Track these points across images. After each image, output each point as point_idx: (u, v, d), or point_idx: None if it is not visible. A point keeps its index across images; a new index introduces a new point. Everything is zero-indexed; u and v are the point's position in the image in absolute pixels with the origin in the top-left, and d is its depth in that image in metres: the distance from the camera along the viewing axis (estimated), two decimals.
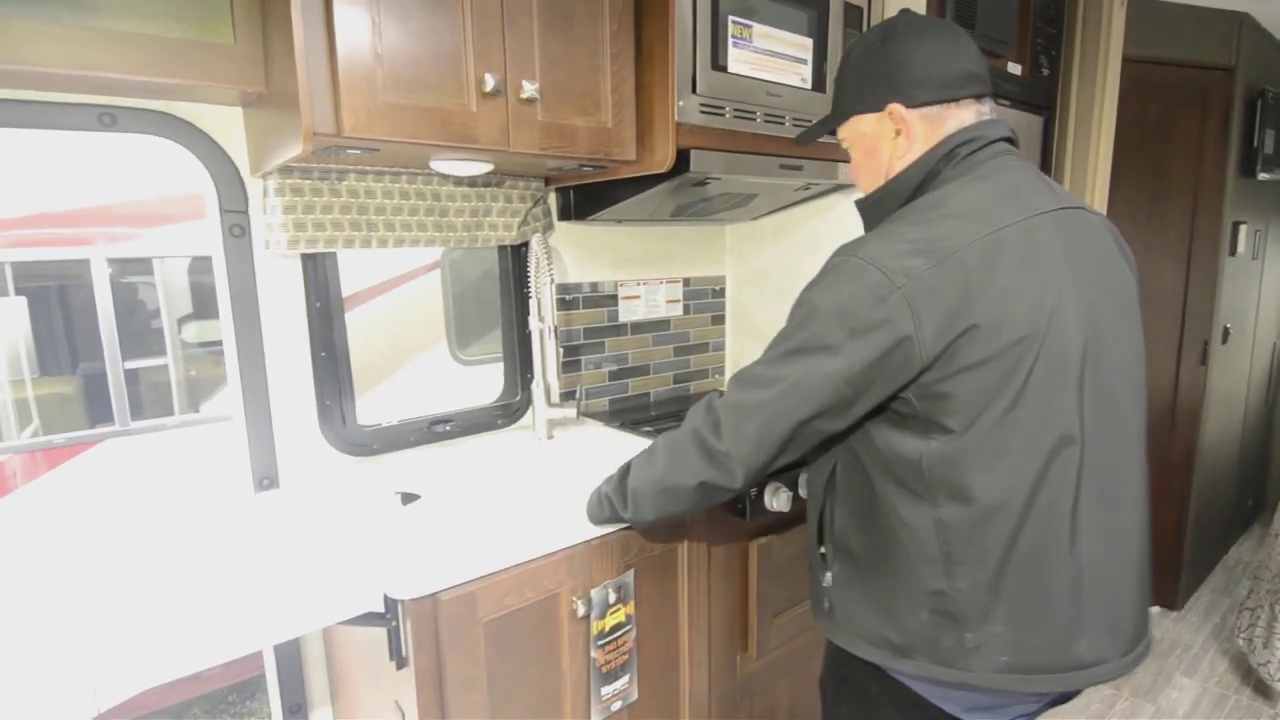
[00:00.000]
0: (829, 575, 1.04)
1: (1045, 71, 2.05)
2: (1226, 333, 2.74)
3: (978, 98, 0.96)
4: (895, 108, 0.96)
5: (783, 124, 1.56)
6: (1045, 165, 2.15)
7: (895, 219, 0.94)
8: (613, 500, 1.17)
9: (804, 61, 1.56)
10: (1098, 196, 2.11)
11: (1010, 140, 0.98)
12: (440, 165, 1.35)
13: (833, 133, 1.10)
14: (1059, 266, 0.88)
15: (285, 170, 1.33)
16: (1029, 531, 0.87)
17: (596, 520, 1.21)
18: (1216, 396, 2.76)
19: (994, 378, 0.84)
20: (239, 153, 1.35)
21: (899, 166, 0.98)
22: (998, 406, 0.85)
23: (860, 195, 1.08)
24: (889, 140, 0.98)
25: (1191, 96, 2.49)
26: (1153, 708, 2.25)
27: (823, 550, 1.06)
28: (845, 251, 0.91)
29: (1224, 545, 3.29)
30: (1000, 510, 0.87)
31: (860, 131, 1.02)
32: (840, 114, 1.05)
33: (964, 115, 0.96)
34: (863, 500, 0.98)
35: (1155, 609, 2.82)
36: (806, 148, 1.63)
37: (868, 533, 0.98)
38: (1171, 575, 2.78)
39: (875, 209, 1.02)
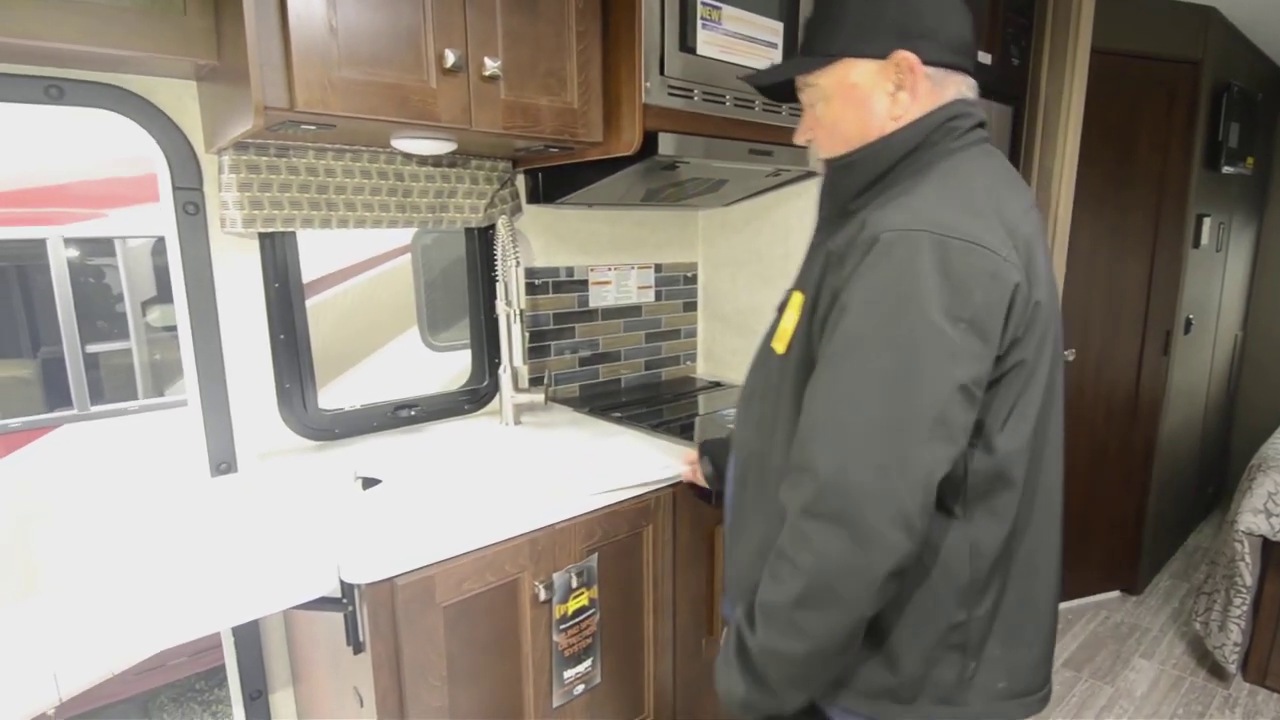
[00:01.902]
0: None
1: (1015, 61, 2.07)
2: (1189, 324, 2.79)
3: (969, 73, 0.86)
4: (906, 57, 0.81)
5: (752, 108, 1.55)
6: (1014, 156, 2.17)
7: (918, 183, 0.80)
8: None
9: (774, 46, 1.55)
10: (1064, 187, 2.13)
11: (984, 124, 0.89)
12: (402, 144, 1.32)
13: (787, 85, 0.93)
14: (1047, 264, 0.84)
15: (240, 146, 1.29)
16: (1029, 537, 0.83)
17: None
18: (1178, 386, 2.81)
19: (1032, 370, 0.78)
20: (193, 128, 1.31)
21: (890, 128, 0.84)
22: (1033, 400, 0.79)
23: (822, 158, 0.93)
24: (885, 96, 0.83)
25: (1158, 89, 2.52)
26: (1111, 689, 2.30)
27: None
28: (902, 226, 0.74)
29: (1184, 532, 3.37)
30: (1024, 520, 0.82)
31: (849, 81, 0.84)
32: (826, 54, 0.85)
33: (961, 88, 0.86)
34: None
35: (1115, 593, 2.88)
36: (777, 134, 1.63)
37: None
38: (1131, 561, 2.84)
39: (852, 171, 0.86)
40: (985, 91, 1.91)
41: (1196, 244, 2.71)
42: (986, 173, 0.83)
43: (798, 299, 0.86)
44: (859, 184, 0.85)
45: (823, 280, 0.80)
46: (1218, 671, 2.36)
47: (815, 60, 0.87)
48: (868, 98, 0.84)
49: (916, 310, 0.70)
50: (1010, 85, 2.06)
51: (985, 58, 1.92)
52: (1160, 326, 2.65)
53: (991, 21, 1.93)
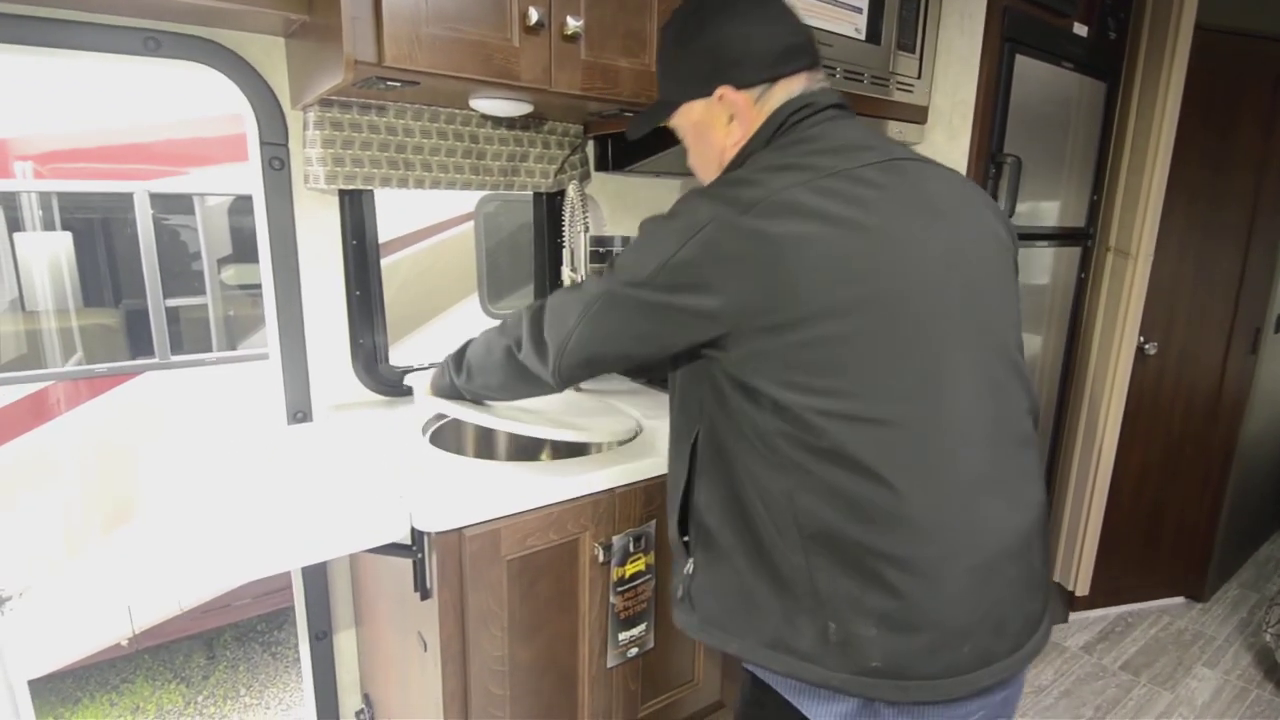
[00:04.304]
0: (690, 562, 0.95)
1: (1112, 35, 1.96)
2: None
3: (807, 69, 0.90)
4: (725, 91, 0.89)
5: (834, 75, 1.50)
6: (1106, 134, 2.06)
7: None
8: (449, 367, 1.22)
9: (858, 10, 1.50)
10: (1158, 170, 2.02)
11: (842, 107, 0.90)
12: (480, 104, 1.33)
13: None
14: (902, 211, 0.80)
15: (325, 103, 1.32)
16: (912, 509, 0.76)
17: (438, 390, 1.26)
18: (1264, 387, 2.66)
19: (843, 333, 0.76)
20: (280, 83, 1.34)
21: (732, 154, 0.92)
22: (850, 365, 0.77)
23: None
24: (722, 127, 0.92)
25: (1264, 69, 2.35)
26: (1171, 696, 2.22)
27: (686, 537, 0.97)
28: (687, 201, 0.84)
29: (1256, 541, 3.21)
30: (871, 483, 0.76)
31: (692, 120, 0.95)
32: (670, 104, 0.97)
33: (793, 87, 0.90)
34: (720, 471, 0.88)
35: (1179, 599, 2.77)
36: (865, 106, 1.58)
37: (726, 509, 0.88)
38: (1199, 567, 2.72)
39: None
40: (1078, 65, 1.83)
41: None
42: (803, 150, 0.85)
43: None
44: None
45: None
46: None
47: (664, 109, 0.99)
48: (710, 131, 0.94)
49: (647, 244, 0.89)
50: (1105, 60, 1.95)
51: (1081, 30, 1.82)
52: (1250, 322, 2.51)
53: None
